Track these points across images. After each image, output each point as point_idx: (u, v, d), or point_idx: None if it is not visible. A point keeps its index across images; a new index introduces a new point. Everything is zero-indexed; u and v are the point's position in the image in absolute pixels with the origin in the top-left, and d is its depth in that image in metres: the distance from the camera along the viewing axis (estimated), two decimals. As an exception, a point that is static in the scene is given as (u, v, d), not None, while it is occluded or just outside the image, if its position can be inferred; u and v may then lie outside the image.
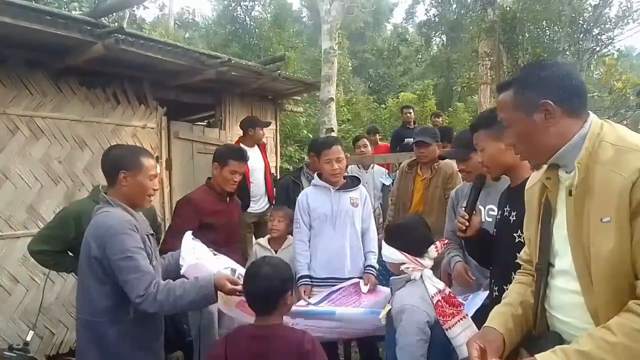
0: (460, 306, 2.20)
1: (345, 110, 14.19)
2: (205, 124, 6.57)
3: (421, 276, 2.25)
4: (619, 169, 1.27)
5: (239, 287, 2.15)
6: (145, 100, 4.99)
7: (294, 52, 16.04)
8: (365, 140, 5.92)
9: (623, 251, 1.27)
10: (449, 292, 2.24)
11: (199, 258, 2.43)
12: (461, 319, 2.15)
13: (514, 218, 2.12)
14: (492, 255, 2.22)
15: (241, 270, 2.42)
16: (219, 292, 2.16)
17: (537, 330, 1.54)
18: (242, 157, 3.38)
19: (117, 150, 2.42)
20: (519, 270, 1.74)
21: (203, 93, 5.81)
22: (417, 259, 2.26)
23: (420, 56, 20.92)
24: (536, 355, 1.31)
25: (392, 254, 2.28)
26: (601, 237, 1.30)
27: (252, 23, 18.36)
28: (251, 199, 5.02)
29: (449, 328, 2.13)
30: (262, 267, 2.09)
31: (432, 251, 2.30)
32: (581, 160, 1.35)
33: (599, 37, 9.12)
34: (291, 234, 3.56)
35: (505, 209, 2.20)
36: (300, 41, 18.86)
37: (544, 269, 1.53)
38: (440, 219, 3.84)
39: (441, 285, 2.23)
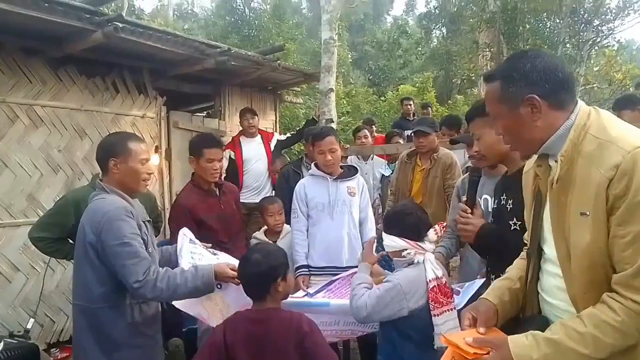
0: (452, 298, 2.23)
1: (344, 102, 14.16)
2: (204, 114, 6.57)
3: (423, 260, 2.25)
4: (598, 164, 1.28)
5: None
6: (145, 90, 4.99)
7: (294, 43, 15.99)
8: (366, 131, 5.93)
9: (600, 245, 1.29)
10: (446, 281, 2.25)
11: (196, 260, 2.42)
12: (449, 310, 2.19)
13: (510, 206, 2.15)
14: (507, 258, 2.18)
15: None
16: None
17: (527, 312, 1.57)
18: (216, 144, 3.28)
19: (106, 138, 2.42)
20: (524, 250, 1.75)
21: (202, 83, 5.81)
22: (418, 243, 2.27)
23: (420, 49, 20.83)
24: (508, 337, 1.35)
25: (392, 241, 2.29)
26: (580, 230, 1.32)
27: (251, 14, 18.29)
28: (245, 189, 5.01)
29: (437, 315, 2.17)
30: (252, 254, 2.14)
31: (432, 234, 2.30)
32: (565, 153, 1.35)
33: (599, 28, 9.07)
34: (287, 223, 3.58)
35: (502, 197, 2.22)
36: (300, 33, 18.77)
37: (534, 254, 1.55)
38: (439, 208, 3.87)
39: (440, 272, 2.24)
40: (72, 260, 2.66)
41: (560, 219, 1.38)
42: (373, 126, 7.41)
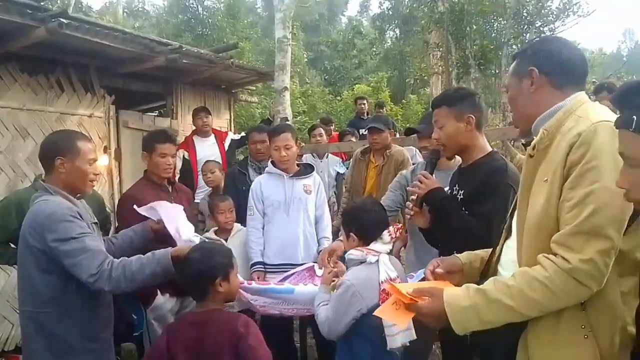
0: None
1: (300, 102, 14.19)
2: (156, 113, 6.42)
3: (377, 260, 2.22)
4: (568, 136, 1.35)
5: None
6: (92, 88, 4.82)
7: (249, 43, 15.87)
8: (321, 129, 5.95)
9: (550, 211, 1.34)
10: (400, 282, 2.20)
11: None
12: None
13: (461, 197, 2.23)
14: (445, 233, 2.27)
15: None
16: None
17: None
18: (168, 139, 3.23)
19: (51, 136, 2.32)
20: None
21: (153, 81, 5.67)
22: (369, 248, 2.24)
23: (374, 49, 21.16)
24: (445, 288, 1.43)
25: (350, 254, 2.27)
26: (538, 195, 1.39)
27: (204, 13, 18.03)
28: (200, 190, 4.93)
29: None
30: (192, 253, 2.11)
31: (386, 236, 2.27)
32: (549, 128, 1.42)
33: (541, 29, 9.44)
34: (237, 221, 3.55)
35: (455, 187, 2.30)
36: (254, 32, 18.67)
37: (508, 228, 1.62)
38: (392, 205, 3.94)
39: (394, 274, 2.21)
40: (15, 266, 2.55)
41: (527, 187, 1.45)
42: (331, 125, 7.47)
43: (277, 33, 5.51)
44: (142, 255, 2.18)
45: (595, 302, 1.30)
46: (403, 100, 15.88)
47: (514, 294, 1.31)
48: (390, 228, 2.31)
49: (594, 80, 7.35)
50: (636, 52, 34.10)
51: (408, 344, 2.10)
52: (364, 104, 8.01)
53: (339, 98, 16.10)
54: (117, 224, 3.26)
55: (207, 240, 2.69)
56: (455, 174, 2.41)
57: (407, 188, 2.49)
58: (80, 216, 2.12)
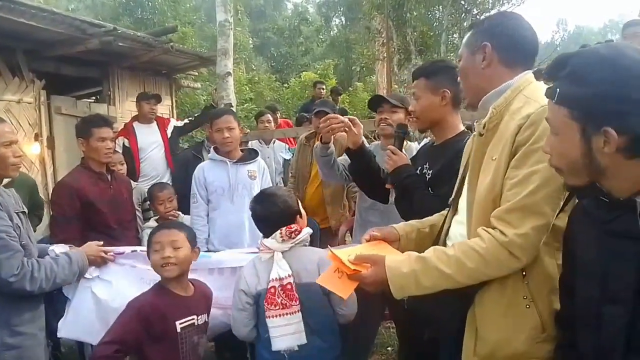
0: (296, 301, 2.03)
1: (247, 89, 13.97)
2: (92, 99, 6.13)
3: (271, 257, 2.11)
4: (517, 116, 1.39)
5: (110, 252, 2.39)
6: (20, 72, 4.53)
7: (192, 27, 15.42)
8: (269, 115, 5.89)
9: (496, 188, 1.40)
10: (292, 284, 2.05)
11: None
12: (291, 313, 2.02)
13: (429, 176, 2.23)
14: (407, 211, 2.23)
15: None
16: None
17: None
18: (105, 122, 3.14)
19: None
20: None
21: (88, 66, 5.41)
22: (265, 242, 2.14)
23: (321, 36, 21.12)
24: (386, 256, 1.45)
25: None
26: (486, 173, 1.44)
27: (144, -5, 17.26)
28: (143, 178, 4.77)
29: (270, 317, 2.03)
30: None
31: (277, 236, 2.09)
32: (497, 106, 1.46)
33: (477, 17, 9.76)
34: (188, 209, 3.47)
35: (425, 165, 2.29)
36: (198, 17, 18.15)
37: (453, 204, 1.66)
38: (337, 189, 3.96)
39: (285, 273, 2.05)
40: None
41: (477, 165, 1.49)
42: (277, 112, 7.40)
43: (219, 16, 5.36)
44: (59, 256, 2.20)
45: (536, 274, 1.37)
46: (350, 88, 15.98)
47: (452, 262, 1.36)
48: (283, 229, 2.10)
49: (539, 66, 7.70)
50: (569, 41, 35.91)
51: (297, 348, 2.03)
52: (323, 88, 8.07)
53: (286, 85, 15.98)
54: (51, 213, 3.10)
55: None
56: (426, 152, 2.41)
57: (385, 159, 2.45)
58: (1, 206, 1.98)
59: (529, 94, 1.44)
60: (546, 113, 1.25)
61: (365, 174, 2.55)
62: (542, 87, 1.47)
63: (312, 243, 3.81)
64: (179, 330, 2.08)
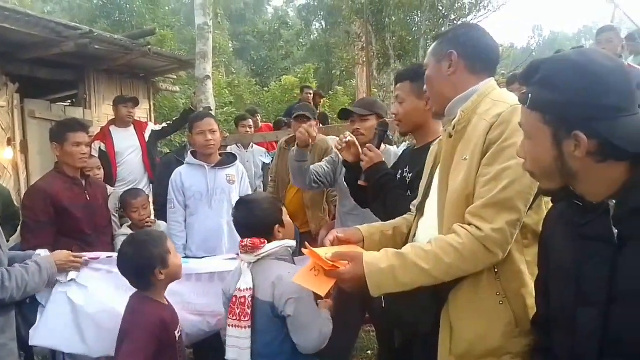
0: (247, 318, 1.95)
1: (227, 92, 13.90)
2: (68, 103, 6.01)
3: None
4: (486, 116, 1.43)
5: (80, 259, 2.36)
6: (-8, 75, 4.42)
7: (171, 31, 15.28)
8: (250, 120, 5.85)
9: (469, 187, 1.42)
10: (246, 299, 1.97)
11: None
12: (241, 327, 1.96)
13: (409, 179, 2.25)
14: (387, 213, 2.20)
15: None
16: None
17: None
18: (81, 127, 3.09)
19: None
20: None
21: (63, 68, 5.30)
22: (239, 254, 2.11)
23: (301, 40, 21.15)
24: (364, 252, 1.46)
25: None
26: (458, 173, 1.46)
27: (121, -3, 17.04)
28: (120, 183, 4.69)
29: (228, 325, 2.00)
30: (124, 248, 2.11)
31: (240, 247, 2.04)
32: (465, 109, 1.49)
33: (455, 22, 9.94)
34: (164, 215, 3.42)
35: (405, 169, 2.31)
36: (177, 20, 17.99)
37: (420, 208, 1.68)
38: (317, 194, 3.95)
39: (245, 286, 1.99)
40: None
41: (446, 167, 1.52)
42: (257, 116, 7.37)
43: (197, 20, 5.31)
44: (28, 264, 2.15)
45: (507, 270, 1.40)
46: (330, 92, 16.03)
47: (430, 257, 1.37)
48: (245, 240, 2.01)
49: (502, 72, 7.85)
50: (544, 47, 36.72)
51: None
52: (310, 93, 8.05)
53: (266, 89, 15.95)
54: (22, 218, 3.01)
55: None
56: (407, 155, 2.41)
57: (335, 144, 2.45)
58: None
59: (495, 97, 1.49)
60: (516, 112, 1.29)
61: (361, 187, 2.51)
62: (506, 91, 1.53)
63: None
64: (177, 339, 2.07)
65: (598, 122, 1.02)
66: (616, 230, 1.04)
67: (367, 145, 2.33)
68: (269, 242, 2.01)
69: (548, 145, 1.10)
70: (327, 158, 3.32)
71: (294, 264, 2.11)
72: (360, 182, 2.34)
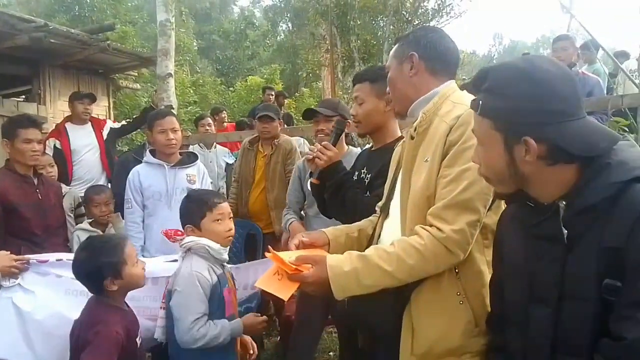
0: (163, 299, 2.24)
1: (191, 91, 13.67)
2: (22, 98, 5.76)
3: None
4: (447, 118, 1.45)
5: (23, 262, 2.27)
6: (-62, 68, 4.19)
7: (134, 27, 14.92)
8: (209, 119, 5.77)
9: (430, 188, 1.43)
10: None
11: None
12: (162, 308, 2.23)
13: (368, 180, 2.24)
14: (346, 214, 2.22)
15: None
16: None
17: None
18: (32, 123, 2.99)
19: None
20: None
21: (16, 63, 5.08)
22: None
23: (267, 41, 21.04)
24: (327, 255, 1.46)
25: None
26: (419, 174, 1.47)
27: (81, -8, 16.52)
28: (76, 182, 4.53)
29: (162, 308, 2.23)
30: (79, 252, 2.04)
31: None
32: (427, 111, 1.51)
33: (418, 27, 10.14)
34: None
35: (362, 170, 2.30)
36: (140, 17, 17.57)
37: (385, 209, 1.69)
38: (280, 193, 3.91)
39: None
40: None
41: (409, 168, 1.53)
42: (223, 113, 7.27)
43: (159, 16, 5.19)
44: None
45: (467, 271, 1.42)
46: (296, 94, 16.00)
47: (392, 259, 1.37)
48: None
49: (463, 77, 8.04)
50: (504, 54, 37.83)
51: None
52: (272, 94, 8.08)
53: (231, 89, 15.78)
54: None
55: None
56: (364, 156, 2.41)
57: (306, 155, 2.42)
58: None
59: (455, 100, 1.51)
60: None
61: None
62: (466, 94, 1.54)
63: (256, 249, 3.82)
64: (138, 345, 2.00)
65: (546, 126, 1.05)
66: (566, 231, 1.07)
67: (324, 143, 2.29)
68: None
69: (500, 151, 1.12)
70: (290, 180, 3.31)
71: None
72: (312, 180, 2.32)
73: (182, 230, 2.24)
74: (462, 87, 1.62)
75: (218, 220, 2.17)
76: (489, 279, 1.41)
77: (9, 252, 2.30)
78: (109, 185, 4.64)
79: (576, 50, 4.59)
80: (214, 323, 2.04)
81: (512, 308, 1.22)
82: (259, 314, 2.29)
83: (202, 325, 2.01)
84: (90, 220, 3.36)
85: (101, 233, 3.27)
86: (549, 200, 1.12)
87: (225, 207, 2.24)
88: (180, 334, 2.02)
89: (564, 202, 1.09)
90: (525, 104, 1.06)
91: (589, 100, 3.63)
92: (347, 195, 2.19)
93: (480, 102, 1.14)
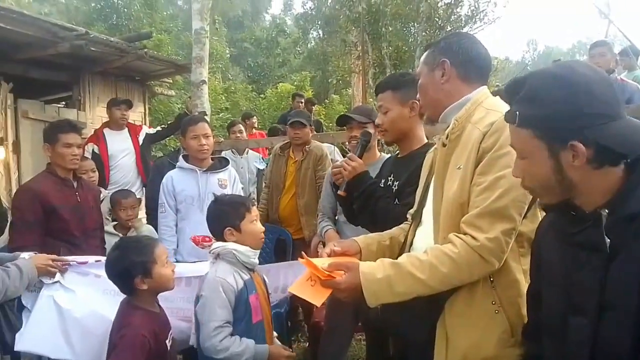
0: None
1: (223, 98, 13.90)
2: (63, 104, 5.98)
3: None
4: (480, 125, 1.44)
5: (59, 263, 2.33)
6: (-15, 74, 4.39)
7: (168, 35, 15.30)
8: (240, 125, 5.85)
9: (464, 195, 1.42)
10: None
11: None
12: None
13: (396, 187, 2.24)
14: (376, 223, 2.20)
15: None
16: None
17: None
18: (72, 128, 3.06)
19: None
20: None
21: (58, 69, 5.28)
22: None
23: (298, 48, 21.23)
24: (360, 262, 1.45)
25: None
26: (452, 181, 1.46)
27: (119, 1, 17.08)
28: (112, 186, 4.66)
29: None
30: (111, 252, 2.09)
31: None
32: (459, 118, 1.50)
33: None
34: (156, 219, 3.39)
35: (389, 178, 2.30)
36: (175, 25, 18.03)
37: (417, 216, 1.68)
38: (311, 200, 3.93)
39: None
40: None
41: (441, 175, 1.52)
42: (253, 118, 7.36)
43: (194, 24, 5.32)
44: (9, 267, 2.14)
45: (503, 279, 1.40)
46: (326, 100, 16.06)
47: (425, 267, 1.36)
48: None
49: (497, 84, 7.92)
50: (539, 61, 37.08)
51: None
52: (302, 101, 8.10)
53: (262, 96, 15.97)
54: (11, 218, 2.98)
55: None
56: (390, 163, 2.41)
57: (332, 170, 2.42)
58: None
59: (488, 106, 1.49)
60: None
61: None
62: (499, 100, 1.52)
63: (285, 254, 3.84)
64: (168, 348, 2.03)
65: (590, 129, 1.03)
66: (608, 240, 1.04)
67: (349, 155, 2.33)
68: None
69: (545, 160, 1.09)
70: (323, 187, 3.33)
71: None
72: (339, 192, 2.32)
73: (210, 237, 2.27)
74: (494, 94, 1.60)
75: (254, 221, 2.19)
76: (525, 288, 1.38)
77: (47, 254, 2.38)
78: (144, 189, 4.76)
79: (614, 56, 4.47)
80: (240, 340, 2.00)
81: (549, 318, 1.19)
82: (288, 337, 2.31)
83: (226, 337, 1.99)
84: (115, 223, 3.45)
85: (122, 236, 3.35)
86: (591, 208, 1.09)
87: (255, 208, 2.29)
88: (202, 339, 2.02)
89: (606, 211, 1.06)
90: (565, 108, 1.04)
91: (628, 108, 3.52)
92: (378, 204, 2.18)
93: (517, 112, 1.12)
